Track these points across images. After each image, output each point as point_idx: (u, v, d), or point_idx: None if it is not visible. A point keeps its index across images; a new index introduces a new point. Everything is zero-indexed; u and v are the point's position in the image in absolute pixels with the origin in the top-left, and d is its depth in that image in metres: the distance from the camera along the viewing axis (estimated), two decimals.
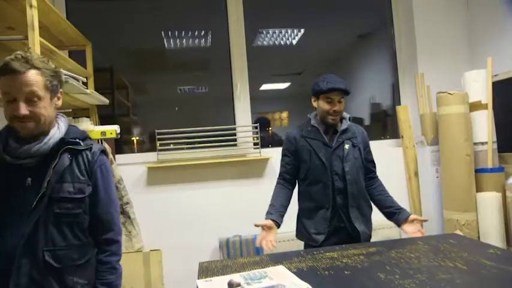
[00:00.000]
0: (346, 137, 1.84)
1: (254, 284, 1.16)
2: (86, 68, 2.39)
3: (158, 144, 2.66)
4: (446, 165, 2.49)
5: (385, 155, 2.88)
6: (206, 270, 1.35)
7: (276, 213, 1.80)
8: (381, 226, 2.49)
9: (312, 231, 1.83)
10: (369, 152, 1.94)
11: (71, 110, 2.45)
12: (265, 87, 3.26)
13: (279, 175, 1.98)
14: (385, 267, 1.24)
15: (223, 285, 1.17)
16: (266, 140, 3.07)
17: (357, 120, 3.09)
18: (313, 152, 1.83)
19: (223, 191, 2.69)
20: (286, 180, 1.95)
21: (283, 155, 1.96)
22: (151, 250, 2.50)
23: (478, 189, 2.45)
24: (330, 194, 1.79)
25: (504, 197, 2.37)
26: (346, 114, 1.92)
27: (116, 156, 2.60)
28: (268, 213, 1.83)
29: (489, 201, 2.35)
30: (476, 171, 2.48)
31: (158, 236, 2.58)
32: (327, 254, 1.45)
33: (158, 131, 2.65)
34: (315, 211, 1.84)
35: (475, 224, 2.39)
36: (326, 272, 1.24)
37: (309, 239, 1.86)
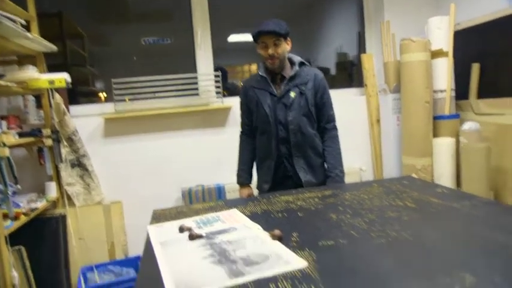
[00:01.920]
0: (293, 84, 1.75)
1: (206, 228, 1.15)
2: (27, 11, 2.18)
3: (116, 94, 2.54)
4: (407, 112, 2.52)
5: (350, 104, 2.90)
6: (159, 217, 1.33)
7: (245, 174, 1.93)
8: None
9: (260, 180, 1.86)
10: (324, 99, 1.79)
11: (15, 58, 2.26)
12: (233, 38, 3.13)
13: (241, 127, 1.97)
14: (337, 209, 1.26)
15: (174, 230, 1.16)
16: (236, 90, 2.97)
17: (323, 70, 3.05)
18: (259, 102, 1.78)
19: (185, 141, 2.63)
20: (247, 133, 1.94)
21: (240, 105, 1.94)
22: (112, 202, 2.46)
23: (435, 135, 2.52)
24: (274, 144, 1.77)
25: (458, 143, 2.44)
26: (297, 59, 1.80)
27: (70, 107, 2.47)
28: (239, 176, 1.94)
29: (444, 147, 2.42)
30: (434, 118, 2.53)
31: (119, 188, 2.52)
32: (282, 197, 1.45)
33: (115, 80, 2.52)
34: (262, 161, 1.85)
35: (430, 168, 2.47)
36: (279, 215, 1.24)
37: (258, 188, 1.91)
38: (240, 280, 0.79)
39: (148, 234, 1.15)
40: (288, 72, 1.77)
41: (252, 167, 1.94)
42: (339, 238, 0.99)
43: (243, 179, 1.92)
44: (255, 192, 1.93)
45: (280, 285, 0.76)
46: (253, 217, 1.22)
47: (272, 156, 1.78)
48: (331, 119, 1.85)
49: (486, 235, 0.93)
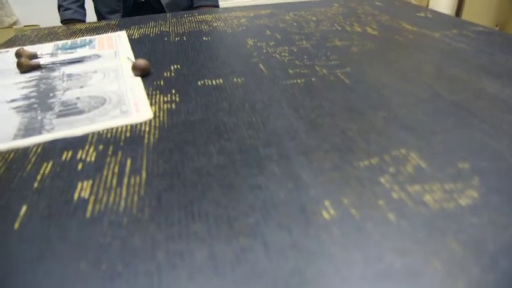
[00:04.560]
0: None
1: (60, 56, 0.78)
2: None
3: None
4: None
5: None
6: (18, 40, 0.94)
7: (74, 5, 1.24)
8: None
9: (104, 11, 1.30)
10: None
11: None
12: None
13: None
14: (263, 32, 0.87)
15: (14, 57, 0.79)
16: None
17: None
18: None
19: None
20: None
21: None
22: (25, 26, 2.01)
23: None
24: None
25: None
26: None
27: None
28: (63, 8, 1.25)
29: None
30: None
31: (36, 9, 2.03)
32: (200, 16, 1.04)
33: None
34: None
35: None
36: (177, 39, 0.85)
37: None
38: (23, 142, 0.46)
39: None
40: None
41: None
42: (235, 75, 0.63)
43: (72, 13, 1.25)
44: None
45: (81, 153, 0.43)
46: (139, 42, 0.84)
47: None
48: None
49: (463, 78, 0.58)
